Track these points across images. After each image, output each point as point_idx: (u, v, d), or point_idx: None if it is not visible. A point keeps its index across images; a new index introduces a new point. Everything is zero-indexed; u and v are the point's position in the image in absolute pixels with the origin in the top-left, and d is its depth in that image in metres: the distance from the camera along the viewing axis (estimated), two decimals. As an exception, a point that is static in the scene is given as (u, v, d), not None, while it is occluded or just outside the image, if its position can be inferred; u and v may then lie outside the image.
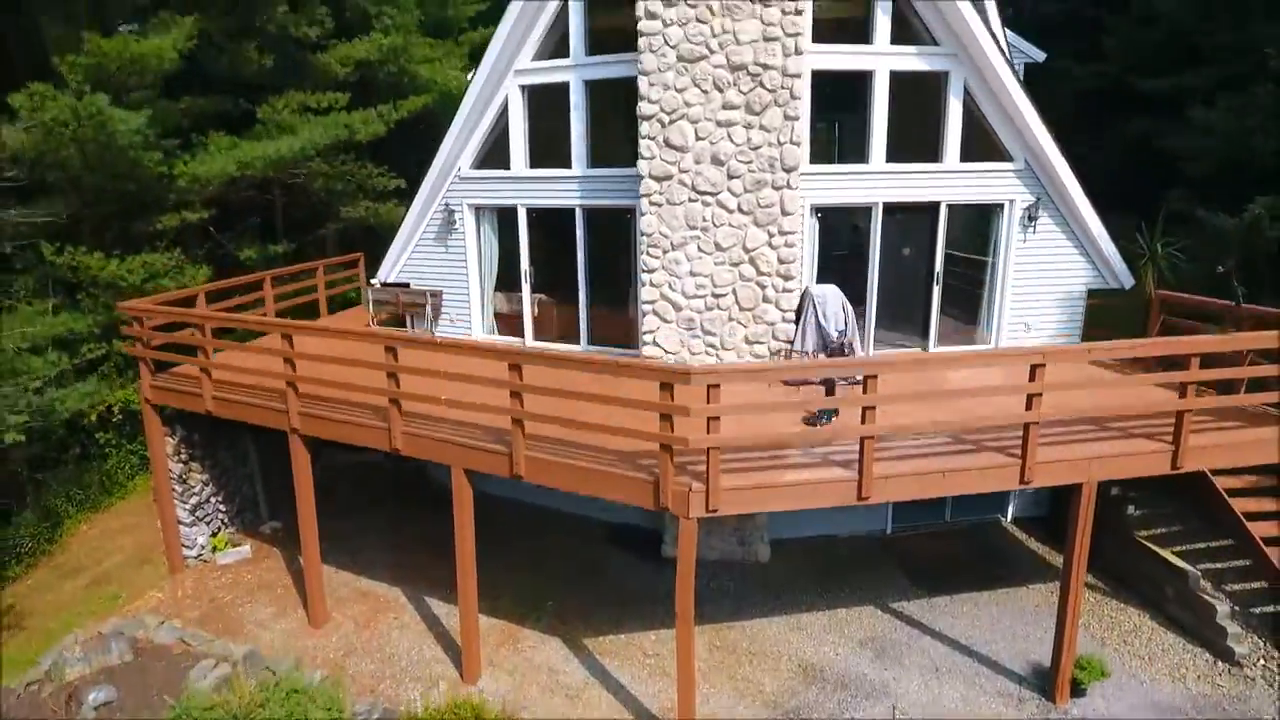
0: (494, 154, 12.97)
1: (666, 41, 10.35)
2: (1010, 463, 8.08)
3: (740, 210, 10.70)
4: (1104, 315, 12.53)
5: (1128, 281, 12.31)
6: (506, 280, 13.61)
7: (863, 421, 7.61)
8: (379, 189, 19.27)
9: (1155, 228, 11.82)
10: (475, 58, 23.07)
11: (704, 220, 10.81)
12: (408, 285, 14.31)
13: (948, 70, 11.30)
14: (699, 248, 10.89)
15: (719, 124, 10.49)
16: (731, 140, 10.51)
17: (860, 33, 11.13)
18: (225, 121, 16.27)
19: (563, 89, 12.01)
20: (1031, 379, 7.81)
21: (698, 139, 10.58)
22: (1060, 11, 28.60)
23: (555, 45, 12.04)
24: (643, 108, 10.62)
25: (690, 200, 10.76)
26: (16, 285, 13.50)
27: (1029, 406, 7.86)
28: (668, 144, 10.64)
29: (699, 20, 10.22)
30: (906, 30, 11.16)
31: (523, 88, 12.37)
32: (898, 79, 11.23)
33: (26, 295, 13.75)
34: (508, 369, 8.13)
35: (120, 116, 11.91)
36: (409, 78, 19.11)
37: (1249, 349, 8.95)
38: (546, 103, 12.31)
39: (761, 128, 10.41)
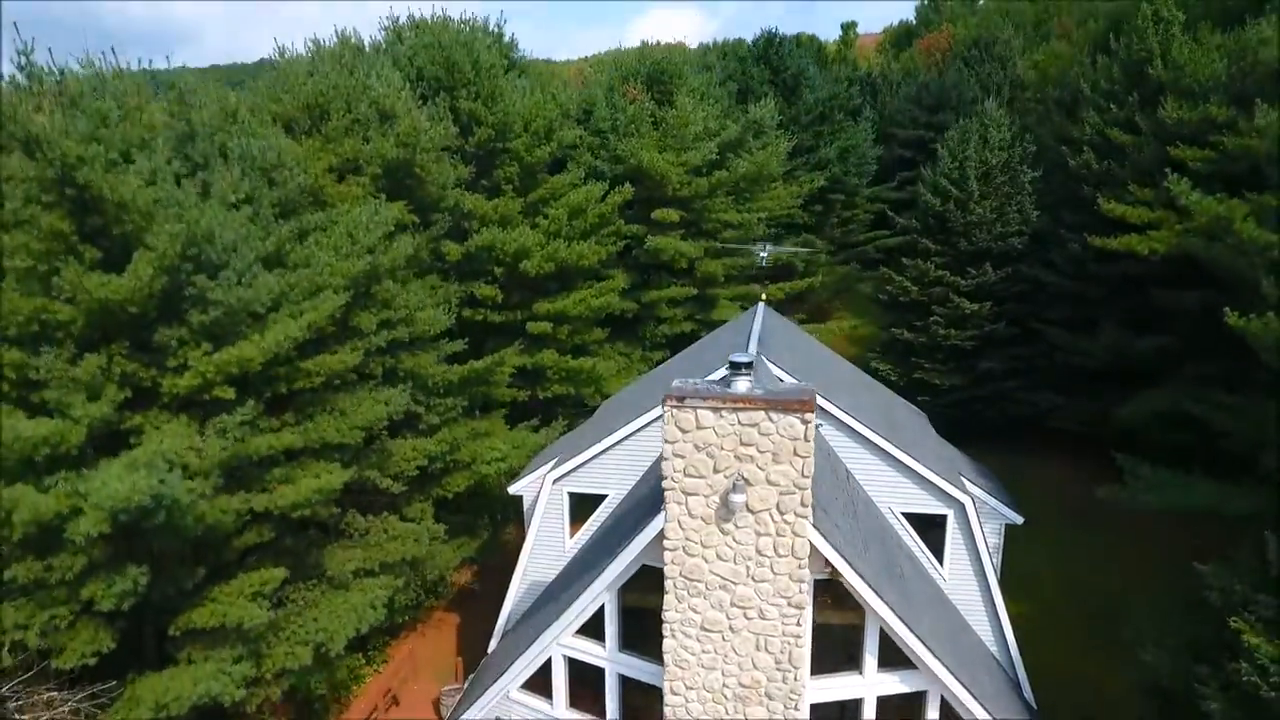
0: (540, 684, 15.17)
1: (686, 686, 12.55)
2: None
3: (750, 813, 12.89)
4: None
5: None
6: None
7: None
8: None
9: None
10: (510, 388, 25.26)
11: (719, 819, 13.01)
12: (462, 757, 16.56)
13: (925, 690, 13.44)
14: (715, 841, 13.10)
15: (733, 751, 12.68)
16: (744, 765, 12.69)
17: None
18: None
19: (600, 670, 14.22)
20: None
21: (715, 758, 12.77)
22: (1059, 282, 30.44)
23: (593, 625, 14.23)
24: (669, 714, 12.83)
25: (708, 804, 12.97)
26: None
27: None
28: (691, 761, 12.86)
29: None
30: (891, 656, 13.29)
31: (565, 657, 14.58)
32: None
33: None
34: None
35: (224, 689, 14.20)
36: (455, 461, 21.32)
37: None
38: (584, 666, 14.50)
39: (768, 762, 12.58)
